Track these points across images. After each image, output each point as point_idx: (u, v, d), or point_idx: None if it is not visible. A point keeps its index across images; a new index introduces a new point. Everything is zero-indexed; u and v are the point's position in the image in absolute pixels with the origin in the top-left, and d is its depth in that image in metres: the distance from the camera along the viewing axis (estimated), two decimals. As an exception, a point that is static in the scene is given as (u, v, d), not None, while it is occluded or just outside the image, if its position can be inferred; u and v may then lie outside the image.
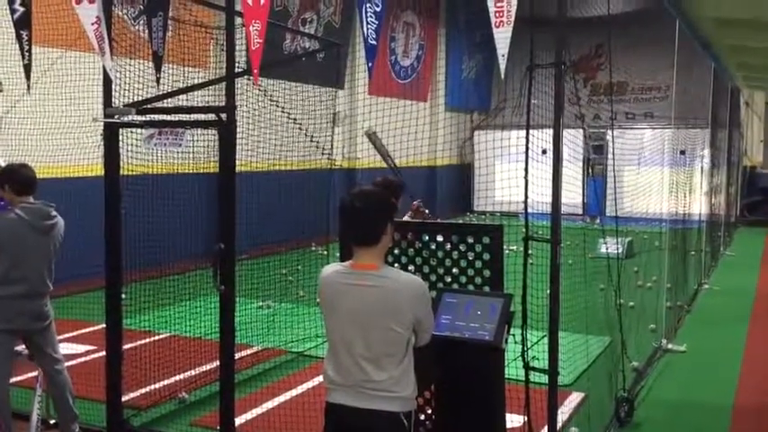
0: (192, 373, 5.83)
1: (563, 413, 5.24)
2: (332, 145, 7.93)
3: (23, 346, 4.75)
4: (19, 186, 4.57)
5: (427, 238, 3.99)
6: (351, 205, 2.93)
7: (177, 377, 5.70)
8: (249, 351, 6.50)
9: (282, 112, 6.97)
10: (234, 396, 4.58)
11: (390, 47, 17.13)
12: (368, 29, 4.51)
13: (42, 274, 4.59)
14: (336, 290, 2.94)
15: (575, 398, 5.74)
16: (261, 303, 8.03)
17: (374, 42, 4.51)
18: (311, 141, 7.54)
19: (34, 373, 4.83)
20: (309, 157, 7.91)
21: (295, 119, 7.21)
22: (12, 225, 4.48)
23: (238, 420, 4.67)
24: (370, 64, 4.63)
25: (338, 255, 4.02)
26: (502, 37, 3.61)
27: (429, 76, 18.96)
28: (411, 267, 3.96)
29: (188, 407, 5.47)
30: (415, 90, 17.81)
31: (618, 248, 6.13)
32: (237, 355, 4.77)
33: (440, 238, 3.98)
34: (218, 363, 4.68)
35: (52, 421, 4.94)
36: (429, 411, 3.81)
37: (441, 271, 3.95)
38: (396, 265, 3.97)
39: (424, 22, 18.64)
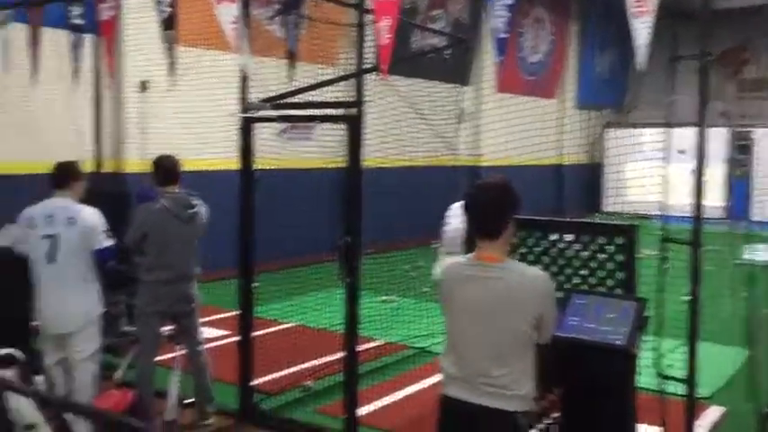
0: (317, 362, 5.99)
1: (700, 427, 4.94)
2: (457, 142, 7.89)
3: (169, 328, 5.08)
4: (164, 176, 4.89)
5: (556, 236, 3.88)
6: (474, 197, 2.93)
7: (303, 365, 5.88)
8: (372, 344, 6.59)
9: (410, 108, 7.02)
10: (357, 387, 4.66)
11: (519, 42, 16.83)
12: (497, 21, 4.45)
13: (187, 260, 4.90)
14: (457, 280, 2.93)
15: (713, 412, 5.40)
16: (384, 298, 8.12)
17: (504, 36, 4.44)
18: (438, 138, 7.54)
19: (173, 354, 5.13)
20: (435, 153, 7.91)
21: (422, 115, 7.23)
22: (157, 213, 4.81)
23: (361, 411, 4.75)
24: (498, 58, 4.56)
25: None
26: (642, 27, 3.44)
27: (559, 72, 18.46)
28: (538, 266, 3.87)
29: (313, 395, 5.63)
30: (543, 87, 17.40)
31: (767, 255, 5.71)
32: (361, 348, 4.85)
33: (569, 237, 3.87)
34: (342, 354, 4.79)
35: (190, 400, 5.24)
36: (555, 415, 3.71)
37: (569, 271, 3.83)
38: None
39: (555, 17, 18.17)
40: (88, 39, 6.33)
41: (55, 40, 6.69)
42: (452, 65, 9.62)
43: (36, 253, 4.68)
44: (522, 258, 3.92)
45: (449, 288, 2.98)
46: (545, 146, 5.97)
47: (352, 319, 4.67)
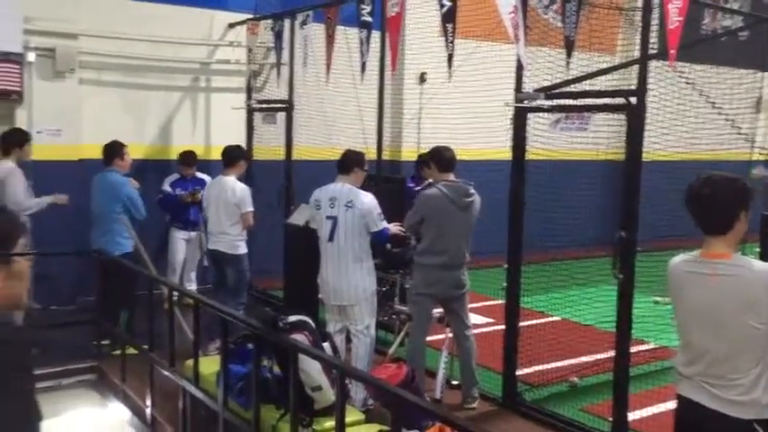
0: (584, 359, 5.82)
1: None
2: (754, 134, 7.10)
3: (440, 310, 5.29)
4: (442, 164, 5.10)
5: None
6: (698, 192, 2.75)
7: (568, 361, 5.75)
8: (645, 347, 6.23)
9: (701, 96, 6.46)
10: (628, 389, 4.44)
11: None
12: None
13: (461, 247, 5.06)
14: (681, 278, 2.80)
15: None
16: (658, 299, 7.61)
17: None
18: (733, 129, 6.85)
19: (441, 336, 5.32)
20: (727, 146, 7.20)
21: (713, 104, 6.62)
22: (436, 200, 5.02)
23: (631, 415, 4.52)
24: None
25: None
26: None
27: None
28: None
29: (578, 392, 5.48)
30: None
31: None
32: (633, 349, 4.61)
33: None
34: (611, 353, 4.59)
35: (455, 382, 5.40)
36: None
37: None
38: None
39: None
40: (375, 35, 6.75)
41: (346, 36, 7.25)
42: (749, 48, 8.66)
43: (321, 232, 5.17)
44: None
45: (673, 285, 2.86)
46: None
47: (624, 318, 4.45)
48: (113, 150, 6.49)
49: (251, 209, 6.35)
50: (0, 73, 7.00)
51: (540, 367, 5.57)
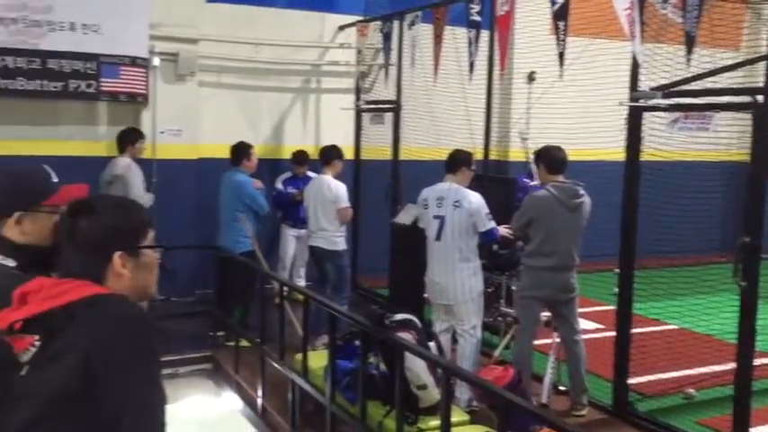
0: (701, 370, 5.54)
1: None
2: None
3: (547, 314, 5.19)
4: (551, 165, 4.99)
5: None
6: None
7: (684, 371, 5.49)
8: (768, 360, 5.87)
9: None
10: (750, 404, 4.21)
11: None
12: None
13: (570, 249, 4.95)
14: None
15: None
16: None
17: None
18: None
19: (548, 341, 5.22)
20: None
21: None
22: (544, 201, 4.93)
23: (753, 431, 4.27)
24: None
25: None
26: None
27: None
28: None
29: (694, 404, 5.23)
30: None
31: None
32: (756, 362, 4.36)
33: None
34: (731, 365, 4.36)
35: (562, 388, 5.28)
36: None
37: None
38: None
39: None
40: (483, 34, 6.71)
41: (454, 36, 7.24)
42: None
43: (428, 231, 5.18)
44: None
45: None
46: None
47: (747, 329, 4.21)
48: (241, 151, 6.79)
49: (347, 204, 6.51)
50: (128, 76, 7.44)
51: (653, 377, 5.37)
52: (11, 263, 2.09)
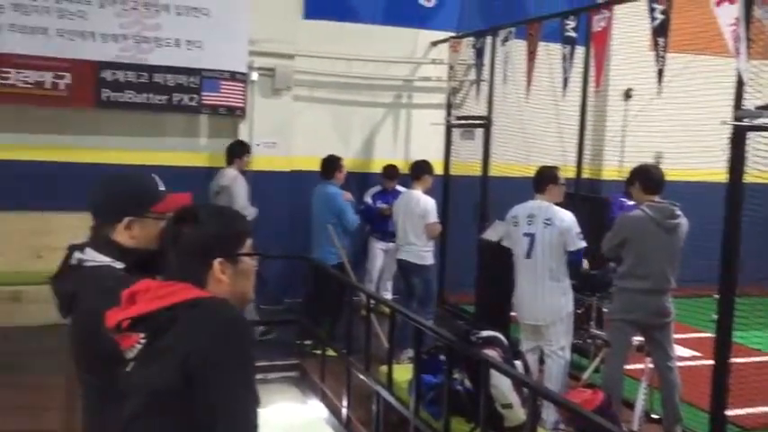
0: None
1: None
2: None
3: (640, 338, 5.02)
4: (648, 185, 4.85)
5: None
6: None
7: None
8: None
9: None
10: None
11: None
12: None
13: (665, 272, 4.78)
14: None
15: None
16: None
17: None
18: None
19: (641, 366, 5.04)
20: None
21: None
22: (638, 221, 4.79)
23: None
24: None
25: None
26: None
27: None
28: None
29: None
30: None
31: None
32: None
33: None
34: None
35: (655, 416, 5.09)
36: None
37: None
38: None
39: None
40: (579, 50, 6.62)
41: (547, 52, 7.17)
42: None
43: (517, 249, 5.13)
44: None
45: None
46: None
47: None
48: (332, 164, 6.95)
49: (435, 219, 6.53)
50: (228, 91, 7.74)
51: (754, 409, 5.10)
52: (119, 265, 2.22)
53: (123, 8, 7.28)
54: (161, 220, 2.19)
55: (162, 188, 2.33)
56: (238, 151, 7.20)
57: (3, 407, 5.17)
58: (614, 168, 8.87)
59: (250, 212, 6.78)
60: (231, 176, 6.99)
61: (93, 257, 2.22)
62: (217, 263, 1.87)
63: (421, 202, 6.50)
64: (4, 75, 6.99)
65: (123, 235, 2.25)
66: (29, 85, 7.07)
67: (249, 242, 1.97)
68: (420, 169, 6.70)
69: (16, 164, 7.30)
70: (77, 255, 2.23)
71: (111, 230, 2.25)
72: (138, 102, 7.46)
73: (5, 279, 7.05)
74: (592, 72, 6.88)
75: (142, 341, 1.82)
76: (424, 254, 6.56)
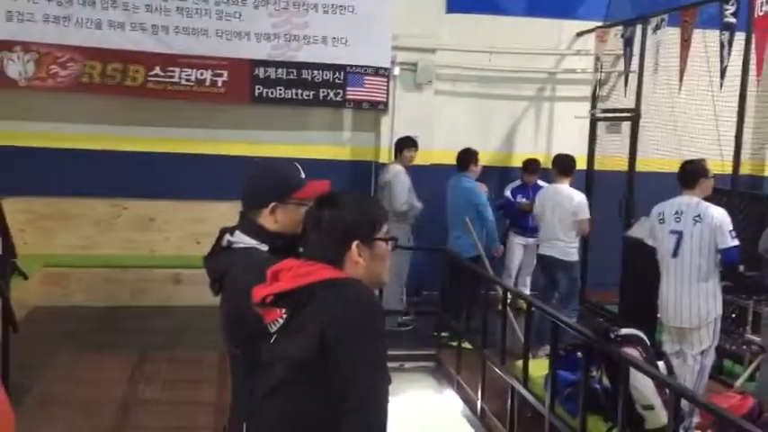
0: None
1: None
2: None
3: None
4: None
5: None
6: None
7: None
8: None
9: None
10: None
11: None
12: None
13: None
14: None
15: None
16: None
17: None
18: None
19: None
20: None
21: None
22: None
23: None
24: None
25: None
26: None
27: None
28: None
29: None
30: None
31: None
32: None
33: None
34: None
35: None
36: None
37: None
38: None
39: None
40: (738, 37, 6.19)
41: (703, 40, 6.76)
42: None
43: (663, 247, 4.90)
44: None
45: None
46: None
47: None
48: (468, 156, 6.97)
49: (587, 216, 6.34)
50: (371, 85, 7.94)
51: None
52: (264, 247, 2.37)
53: (275, 8, 7.66)
54: (302, 205, 2.32)
55: (303, 176, 2.46)
56: (401, 146, 7.36)
57: (162, 379, 5.64)
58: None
59: (414, 207, 6.95)
60: (393, 172, 7.20)
61: (242, 240, 2.39)
62: (354, 245, 1.96)
63: (574, 198, 6.36)
64: (170, 73, 7.57)
65: (268, 219, 2.40)
66: (191, 83, 7.62)
67: (385, 227, 2.05)
68: (569, 164, 6.56)
69: (178, 156, 7.90)
70: (228, 237, 2.41)
71: (257, 215, 2.41)
72: (287, 97, 7.82)
73: (168, 262, 7.66)
74: (753, 60, 6.42)
75: (284, 316, 1.94)
76: (570, 250, 6.43)
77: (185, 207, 7.91)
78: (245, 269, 2.25)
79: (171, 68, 7.55)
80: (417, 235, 7.49)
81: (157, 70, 7.53)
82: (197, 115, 7.96)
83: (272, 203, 2.39)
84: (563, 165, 6.56)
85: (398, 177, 7.10)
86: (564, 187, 6.43)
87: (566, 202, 6.32)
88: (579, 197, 6.38)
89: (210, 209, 7.52)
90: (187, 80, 7.61)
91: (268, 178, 2.48)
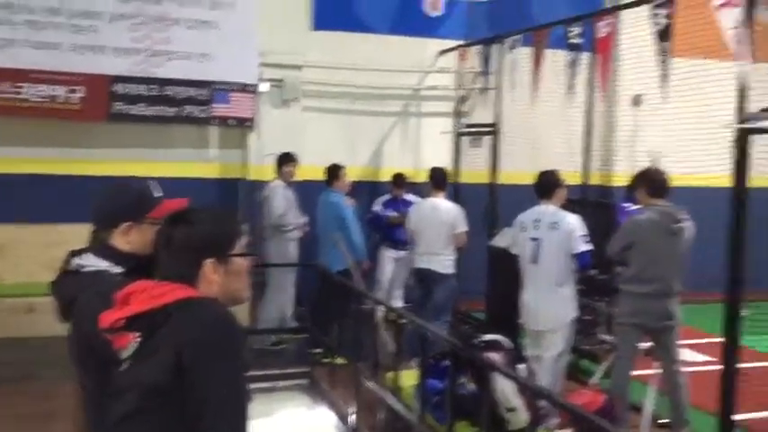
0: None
1: None
2: None
3: (648, 343, 5.00)
4: (652, 188, 4.84)
5: None
6: None
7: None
8: None
9: None
10: None
11: None
12: None
13: (671, 275, 4.77)
14: None
15: None
16: None
17: None
18: None
19: (651, 371, 5.03)
20: None
21: None
22: (644, 225, 4.79)
23: None
24: None
25: None
26: None
27: None
28: None
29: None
30: None
31: None
32: None
33: None
34: None
35: (663, 420, 5.07)
36: None
37: None
38: None
39: None
40: (584, 56, 6.64)
41: (553, 59, 7.19)
42: None
43: (524, 254, 5.14)
44: None
45: None
46: None
47: None
48: (335, 172, 7.10)
49: (466, 228, 6.50)
50: (238, 102, 7.83)
51: (763, 414, 5.06)
52: (117, 269, 2.27)
53: (134, 22, 7.41)
54: (156, 225, 2.24)
55: (158, 194, 2.39)
56: (280, 162, 7.36)
57: (14, 415, 5.25)
58: (626, 174, 8.83)
59: (291, 222, 6.98)
60: (270, 187, 7.24)
61: (92, 262, 2.28)
62: (208, 263, 1.92)
63: (452, 212, 6.48)
64: (17, 89, 7.13)
65: (120, 240, 2.31)
66: (42, 100, 7.20)
67: (242, 243, 2.02)
68: (442, 178, 6.71)
69: (29, 177, 7.43)
70: (76, 260, 2.30)
71: (108, 236, 2.31)
72: (149, 114, 7.56)
73: (20, 290, 7.15)
74: (598, 78, 6.90)
75: (137, 340, 1.86)
76: (448, 263, 6.53)
77: (38, 231, 7.43)
78: (94, 294, 2.14)
79: (18, 84, 7.11)
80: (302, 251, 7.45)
81: (5, 86, 7.07)
82: (51, 133, 7.53)
83: (127, 223, 2.31)
84: (438, 178, 6.69)
85: (276, 191, 7.13)
86: (440, 201, 6.57)
87: (444, 216, 6.45)
88: (456, 210, 6.52)
89: (67, 232, 7.10)
90: (38, 96, 7.19)
91: (122, 197, 2.39)
